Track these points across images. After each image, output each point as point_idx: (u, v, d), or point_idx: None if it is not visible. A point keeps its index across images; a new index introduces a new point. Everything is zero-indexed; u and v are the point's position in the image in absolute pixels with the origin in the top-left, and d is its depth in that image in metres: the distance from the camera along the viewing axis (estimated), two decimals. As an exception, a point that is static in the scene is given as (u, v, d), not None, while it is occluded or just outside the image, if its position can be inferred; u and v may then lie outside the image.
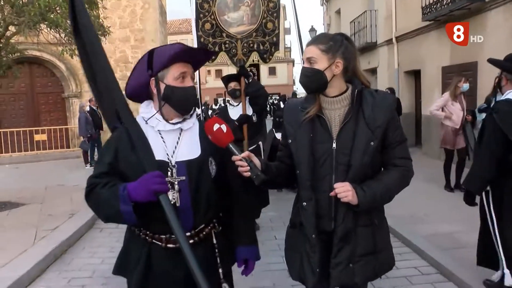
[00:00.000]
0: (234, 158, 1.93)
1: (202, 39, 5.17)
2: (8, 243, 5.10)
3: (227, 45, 5.22)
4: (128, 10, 16.32)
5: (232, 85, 5.36)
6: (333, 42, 2.06)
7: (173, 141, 1.98)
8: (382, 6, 14.26)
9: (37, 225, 5.86)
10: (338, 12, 20.65)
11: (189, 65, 2.01)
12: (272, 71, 46.75)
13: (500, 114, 3.14)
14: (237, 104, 5.35)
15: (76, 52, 6.87)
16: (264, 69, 38.73)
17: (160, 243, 1.94)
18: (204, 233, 1.99)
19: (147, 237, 1.95)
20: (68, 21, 6.25)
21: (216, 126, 1.93)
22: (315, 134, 2.08)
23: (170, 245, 1.93)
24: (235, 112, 5.28)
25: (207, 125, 1.96)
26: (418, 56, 11.88)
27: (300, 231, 2.15)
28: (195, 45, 5.02)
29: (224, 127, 1.94)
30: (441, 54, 10.56)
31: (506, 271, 3.31)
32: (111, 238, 5.58)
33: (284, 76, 47.78)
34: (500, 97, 3.43)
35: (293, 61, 50.29)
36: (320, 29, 26.65)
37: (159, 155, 1.93)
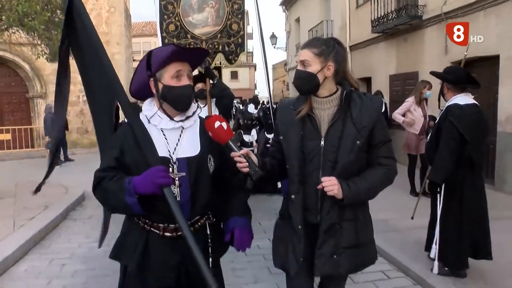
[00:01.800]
0: (233, 154, 2.01)
1: (166, 41, 5.14)
2: (-11, 230, 5.54)
3: (192, 47, 5.11)
4: (94, 13, 16.62)
5: (200, 85, 5.34)
6: (325, 46, 2.15)
7: (175, 139, 2.08)
8: (338, 17, 15.26)
9: (14, 216, 6.29)
10: (298, 20, 21.61)
11: (186, 63, 2.09)
12: (234, 75, 47.35)
13: (454, 116, 3.78)
14: (203, 105, 5.31)
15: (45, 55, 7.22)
16: (226, 73, 39.27)
17: (158, 231, 2.04)
18: (199, 224, 2.09)
19: (145, 225, 2.05)
20: (43, 26, 6.72)
21: (217, 124, 1.99)
22: (305, 131, 2.18)
23: (167, 234, 2.03)
24: (201, 113, 5.52)
25: (208, 122, 2.02)
26: (369, 64, 12.87)
27: (288, 222, 2.25)
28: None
29: (224, 125, 2.00)
30: (389, 64, 11.59)
31: (436, 262, 4.00)
32: (85, 227, 6.11)
33: (246, 80, 48.43)
34: (445, 103, 4.06)
35: (255, 66, 51.01)
36: (282, 36, 27.57)
37: (161, 151, 2.02)
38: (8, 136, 14.98)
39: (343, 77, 2.21)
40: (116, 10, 17.48)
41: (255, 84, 51.31)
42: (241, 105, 20.12)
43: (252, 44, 45.99)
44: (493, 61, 7.64)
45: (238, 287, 4.06)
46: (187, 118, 2.13)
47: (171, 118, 2.09)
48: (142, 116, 2.12)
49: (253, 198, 7.41)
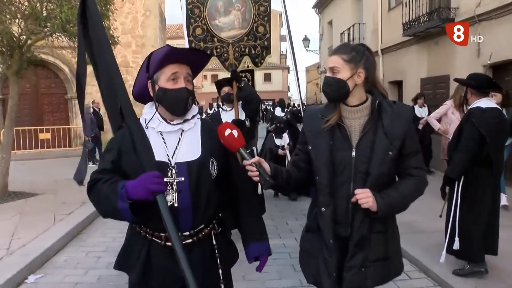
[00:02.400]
0: (244, 162, 1.96)
1: (193, 44, 5.15)
2: (32, 223, 5.93)
3: (218, 50, 5.18)
4: (130, 16, 17.16)
5: (226, 89, 5.29)
6: (355, 53, 2.09)
7: (174, 142, 2.00)
8: (370, 20, 15.25)
9: (54, 211, 6.68)
10: (330, 23, 21.61)
11: (185, 66, 2.01)
12: (267, 78, 47.63)
13: (476, 118, 3.98)
14: (230, 109, 5.39)
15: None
16: (259, 75, 39.57)
17: (159, 241, 1.97)
18: (203, 233, 2.01)
19: (147, 235, 1.99)
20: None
21: (227, 132, 1.95)
22: (335, 141, 2.11)
23: (169, 243, 1.91)
24: (228, 117, 5.19)
25: (219, 130, 1.98)
26: (400, 68, 12.82)
27: (316, 236, 2.19)
28: None
29: (235, 132, 1.96)
30: (420, 67, 11.52)
31: (444, 252, 4.10)
32: (119, 223, 6.29)
33: (279, 83, 48.64)
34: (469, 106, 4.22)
35: (288, 68, 51.11)
36: (315, 38, 27.63)
37: (159, 156, 1.95)
38: (48, 136, 15.65)
39: (372, 84, 2.16)
40: (151, 13, 17.98)
41: (288, 87, 51.44)
42: (272, 108, 20.28)
43: (286, 46, 46.09)
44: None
45: (262, 282, 4.23)
46: (185, 121, 2.04)
47: (168, 122, 2.02)
48: (141, 120, 2.07)
49: (281, 200, 7.67)
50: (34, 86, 16.44)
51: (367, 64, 2.09)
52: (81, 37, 2.23)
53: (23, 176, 10.00)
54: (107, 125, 16.00)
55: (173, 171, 1.94)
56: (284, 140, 8.06)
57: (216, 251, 2.03)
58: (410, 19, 11.15)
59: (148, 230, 1.98)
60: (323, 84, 2.17)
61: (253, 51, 5.24)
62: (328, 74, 2.13)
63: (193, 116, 2.07)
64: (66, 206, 7.00)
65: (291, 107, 27.90)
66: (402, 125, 2.07)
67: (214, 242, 2.03)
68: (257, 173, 1.95)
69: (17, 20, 6.98)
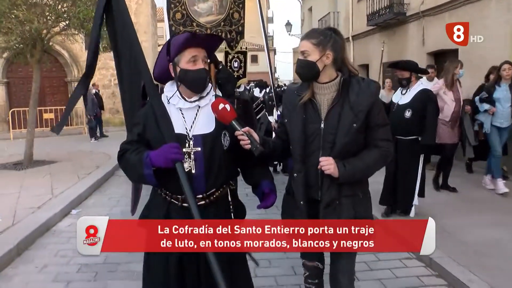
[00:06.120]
0: (236, 133, 2.16)
1: (173, 28, 5.30)
2: (62, 180, 7.61)
3: (205, 33, 5.04)
4: (124, 5, 18.51)
5: None
6: (323, 37, 2.27)
7: (192, 117, 2.24)
8: (343, 9, 16.92)
9: (76, 172, 8.38)
10: (310, 9, 23.22)
11: (201, 49, 2.24)
12: (254, 59, 48.61)
13: (434, 97, 5.24)
14: None
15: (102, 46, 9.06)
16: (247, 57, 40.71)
17: (177, 202, 2.21)
18: (215, 196, 2.24)
19: (166, 196, 2.24)
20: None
21: (221, 106, 2.15)
22: (307, 115, 2.31)
23: (185, 204, 2.17)
24: None
25: (213, 105, 2.17)
26: (366, 53, 14.53)
27: (292, 198, 2.39)
28: (167, 34, 5.22)
29: (228, 107, 2.16)
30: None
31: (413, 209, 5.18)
32: (128, 182, 8.09)
33: (265, 64, 49.58)
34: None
35: (274, 50, 52.21)
36: (298, 23, 29.17)
37: (179, 129, 2.20)
38: (52, 116, 17.12)
39: (342, 63, 2.34)
40: (143, 2, 19.41)
41: (275, 68, 52.62)
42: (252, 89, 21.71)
43: (273, 29, 46.99)
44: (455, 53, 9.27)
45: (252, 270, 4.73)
46: (201, 98, 2.29)
47: (186, 100, 2.27)
48: (163, 97, 2.33)
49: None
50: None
51: (334, 46, 2.28)
52: (97, 25, 2.63)
53: (38, 150, 11.56)
54: (106, 105, 17.62)
55: (191, 142, 2.20)
56: (274, 117, 8.54)
57: (231, 206, 2.32)
58: (373, 11, 12.83)
59: (168, 192, 2.24)
60: (296, 66, 2.38)
61: (228, 36, 5.48)
62: (300, 57, 2.35)
63: (208, 94, 2.32)
64: (84, 168, 8.70)
65: (275, 87, 28.88)
66: (367, 99, 2.25)
67: (230, 199, 2.31)
68: (248, 141, 2.16)
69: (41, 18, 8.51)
